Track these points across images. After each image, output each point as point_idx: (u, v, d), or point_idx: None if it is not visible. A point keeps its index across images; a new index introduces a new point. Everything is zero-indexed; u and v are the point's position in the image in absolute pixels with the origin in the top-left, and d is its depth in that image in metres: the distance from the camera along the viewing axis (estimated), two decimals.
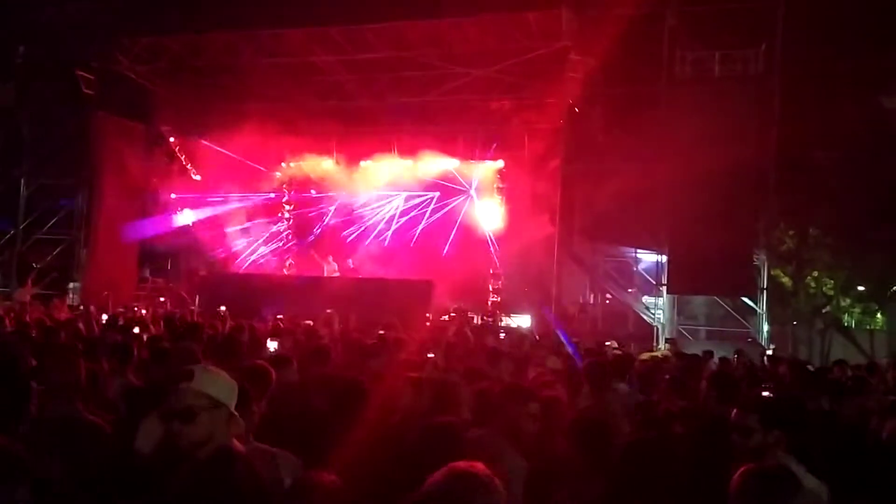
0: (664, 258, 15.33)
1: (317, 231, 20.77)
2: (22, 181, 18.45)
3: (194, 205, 20.43)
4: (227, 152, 19.32)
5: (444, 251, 18.68)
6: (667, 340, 14.13)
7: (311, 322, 10.74)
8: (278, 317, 11.68)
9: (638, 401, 5.27)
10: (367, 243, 20.04)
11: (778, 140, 14.45)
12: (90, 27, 16.30)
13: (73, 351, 5.46)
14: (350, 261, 19.07)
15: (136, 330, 8.25)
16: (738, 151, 13.63)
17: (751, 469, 2.66)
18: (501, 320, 16.85)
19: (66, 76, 17.29)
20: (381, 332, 9.35)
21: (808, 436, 3.79)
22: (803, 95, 14.83)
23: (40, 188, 18.38)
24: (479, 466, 2.17)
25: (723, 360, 10.03)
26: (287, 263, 20.80)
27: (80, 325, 8.80)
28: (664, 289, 15.38)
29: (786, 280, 18.28)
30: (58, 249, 18.21)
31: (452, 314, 15.63)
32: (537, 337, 12.10)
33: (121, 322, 9.56)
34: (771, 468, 2.77)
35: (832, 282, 18.59)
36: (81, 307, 12.77)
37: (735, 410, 3.52)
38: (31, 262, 17.79)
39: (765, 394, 6.55)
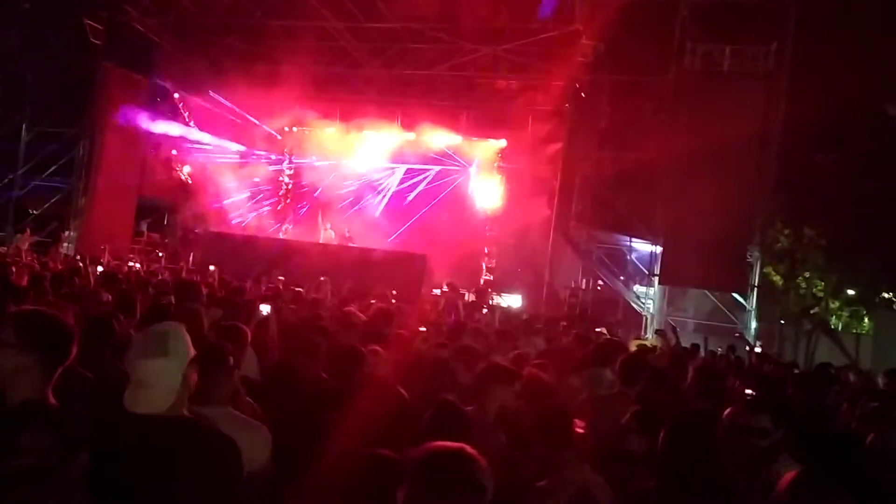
0: (658, 248, 15.43)
1: (315, 198, 20.77)
2: (23, 127, 18.35)
3: (194, 162, 20.38)
4: (232, 106, 19.23)
5: (441, 226, 18.71)
6: (656, 331, 14.25)
7: (301, 289, 10.81)
8: (279, 278, 11.75)
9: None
10: (364, 213, 20.08)
11: (780, 138, 14.48)
12: None
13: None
14: (346, 229, 19.11)
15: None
16: (739, 147, 13.68)
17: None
18: (493, 298, 16.95)
19: (74, 23, 17.14)
20: (373, 301, 9.46)
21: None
22: (809, 96, 14.80)
23: (41, 135, 18.28)
24: (465, 446, 2.12)
25: (710, 353, 10.15)
26: (284, 228, 20.84)
27: (75, 278, 8.83)
28: (656, 279, 15.50)
29: (777, 279, 18.38)
30: (56, 197, 18.17)
31: (445, 289, 15.73)
32: (525, 317, 12.19)
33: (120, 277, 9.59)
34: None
35: (823, 284, 18.70)
36: (77, 257, 12.80)
37: (740, 410, 3.51)
38: (28, 209, 17.76)
39: (748, 391, 6.67)
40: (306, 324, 5.81)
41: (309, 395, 4.00)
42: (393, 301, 10.19)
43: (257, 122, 20.14)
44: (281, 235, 20.14)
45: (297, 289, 10.81)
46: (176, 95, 19.69)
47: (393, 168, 20.01)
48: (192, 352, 2.63)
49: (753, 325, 15.21)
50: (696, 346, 10.65)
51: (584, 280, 17.34)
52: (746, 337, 14.85)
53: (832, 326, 19.22)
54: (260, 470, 2.89)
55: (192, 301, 5.69)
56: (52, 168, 18.20)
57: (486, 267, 18.72)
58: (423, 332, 6.70)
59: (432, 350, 5.75)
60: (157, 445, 2.41)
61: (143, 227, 19.42)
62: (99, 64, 17.45)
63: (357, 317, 6.83)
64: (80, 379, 3.45)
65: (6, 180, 18.26)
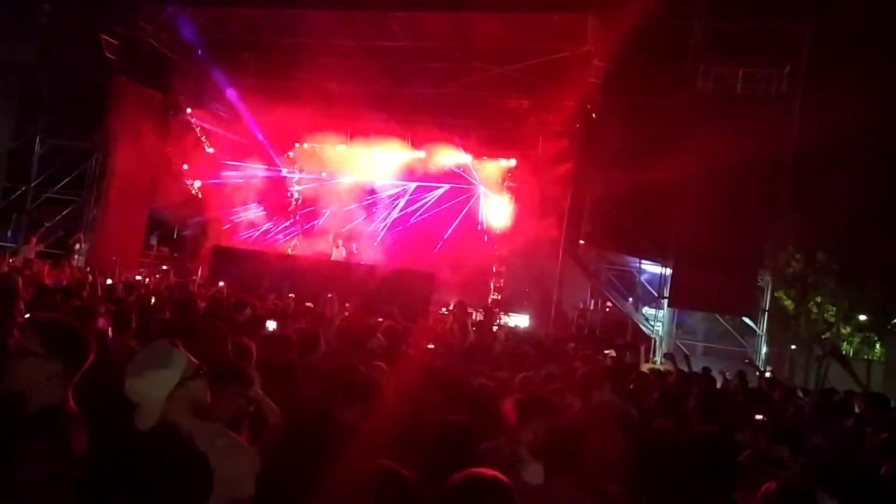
0: (668, 271, 15.33)
1: (324, 214, 20.80)
2: (37, 139, 18.52)
3: (205, 177, 20.48)
4: (247, 120, 19.33)
5: (449, 245, 18.69)
6: (664, 355, 14.14)
7: (310, 304, 10.81)
8: (290, 295, 11.73)
9: (626, 411, 5.27)
10: (373, 230, 20.08)
11: (793, 162, 14.40)
12: None
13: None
14: (354, 246, 19.10)
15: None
16: (751, 170, 13.59)
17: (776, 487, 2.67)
18: (500, 318, 16.87)
19: (90, 39, 17.32)
20: (380, 320, 9.40)
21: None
22: (822, 119, 14.75)
23: (55, 147, 18.44)
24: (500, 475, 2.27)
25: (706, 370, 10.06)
26: (292, 244, 20.86)
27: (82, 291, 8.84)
28: (665, 301, 15.39)
29: (788, 303, 18.24)
30: (68, 210, 18.29)
31: (452, 308, 15.66)
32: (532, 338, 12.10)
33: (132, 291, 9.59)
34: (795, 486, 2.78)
35: (834, 309, 18.55)
36: (88, 269, 12.85)
37: (763, 439, 3.47)
38: (40, 221, 17.87)
39: (758, 417, 6.58)
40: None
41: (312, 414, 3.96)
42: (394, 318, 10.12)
43: (268, 137, 20.22)
44: (289, 251, 20.15)
45: (307, 304, 10.82)
46: (188, 110, 19.82)
47: (402, 186, 20.03)
48: (184, 368, 2.69)
49: (763, 349, 15.06)
50: (707, 370, 10.54)
51: (593, 301, 17.24)
52: (756, 362, 14.68)
53: (843, 352, 19.04)
54: (242, 498, 2.83)
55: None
56: (65, 180, 18.33)
57: (494, 286, 18.64)
58: (431, 349, 6.66)
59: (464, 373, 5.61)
60: (132, 452, 2.45)
61: (153, 241, 19.49)
62: (113, 78, 17.60)
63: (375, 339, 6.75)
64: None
65: (19, 192, 18.40)
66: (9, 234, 18.17)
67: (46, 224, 17.68)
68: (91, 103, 17.67)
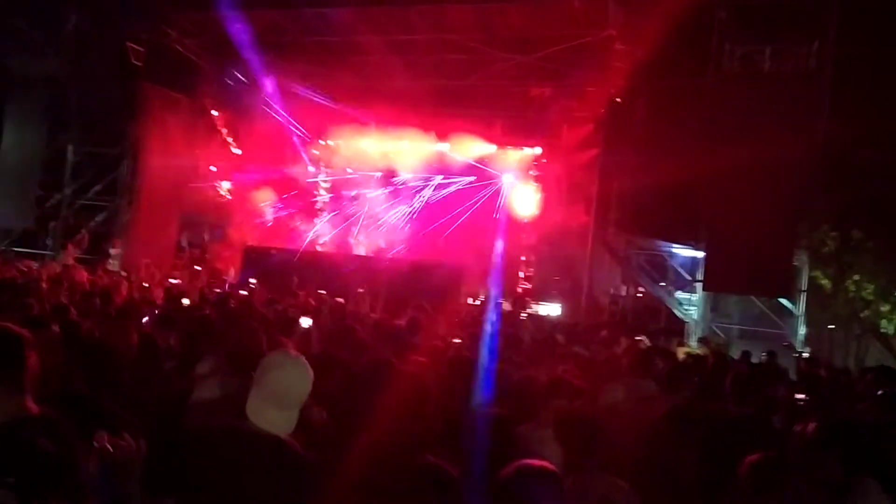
0: (700, 254, 15.14)
1: (351, 209, 20.90)
2: (69, 148, 18.85)
3: (233, 178, 20.69)
4: (274, 116, 19.48)
5: (476, 235, 18.65)
6: (699, 339, 14.01)
7: (341, 300, 10.88)
8: (320, 292, 11.83)
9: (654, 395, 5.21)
10: (400, 224, 20.13)
11: (825, 139, 14.12)
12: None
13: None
14: (381, 240, 19.17)
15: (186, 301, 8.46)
16: (783, 149, 13.35)
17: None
18: (531, 307, 16.82)
19: (116, 47, 17.58)
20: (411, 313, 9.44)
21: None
22: (854, 94, 14.43)
23: (86, 155, 18.76)
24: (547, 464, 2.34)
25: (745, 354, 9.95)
26: (321, 240, 21.00)
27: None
28: (699, 285, 15.21)
29: (825, 282, 17.94)
30: (102, 216, 18.61)
31: (482, 299, 15.68)
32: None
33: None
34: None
35: (872, 286, 18.19)
36: (124, 273, 13.08)
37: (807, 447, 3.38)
38: (76, 228, 18.21)
39: (798, 396, 6.50)
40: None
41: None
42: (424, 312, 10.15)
43: (293, 136, 20.36)
44: (318, 248, 20.29)
45: (338, 300, 10.90)
46: (214, 113, 20.02)
47: (428, 178, 20.04)
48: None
49: (802, 330, 14.81)
50: (745, 354, 10.42)
51: (625, 287, 17.12)
52: (794, 343, 14.48)
53: (882, 330, 18.68)
54: None
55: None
56: (98, 187, 18.66)
57: (524, 275, 18.58)
58: (457, 342, 6.67)
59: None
60: (256, 457, 2.48)
61: (185, 243, 19.76)
62: (140, 85, 17.85)
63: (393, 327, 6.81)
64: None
65: (54, 200, 18.75)
66: (47, 242, 18.53)
67: (83, 231, 18.01)
68: (120, 110, 17.96)
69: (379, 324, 7.47)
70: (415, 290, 12.33)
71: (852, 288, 17.95)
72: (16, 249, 16.90)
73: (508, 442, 3.36)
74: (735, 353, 10.85)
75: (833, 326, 18.23)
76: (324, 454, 3.12)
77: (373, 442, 3.11)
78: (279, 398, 2.65)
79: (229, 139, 20.59)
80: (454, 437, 3.47)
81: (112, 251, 17.99)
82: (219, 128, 20.29)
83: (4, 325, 2.52)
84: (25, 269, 11.79)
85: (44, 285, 9.02)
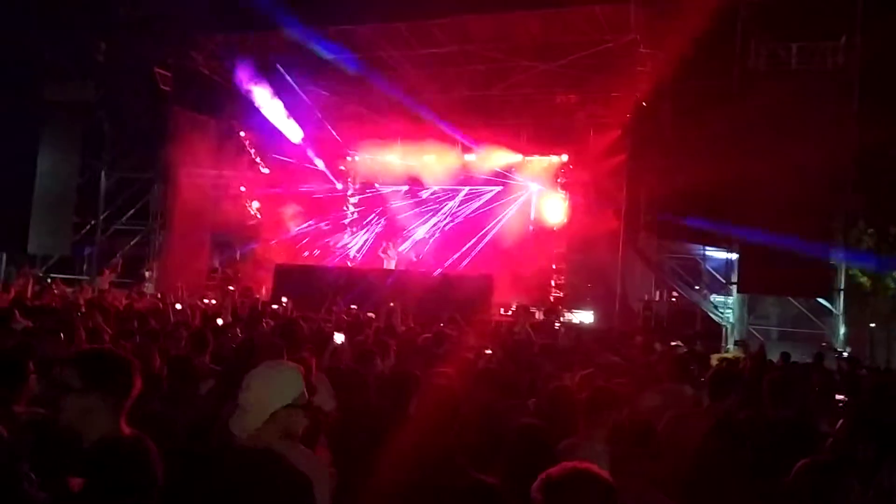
0: (734, 256, 14.92)
1: (380, 224, 20.98)
2: (102, 174, 19.23)
3: (262, 197, 20.90)
4: (298, 137, 19.68)
5: (505, 245, 18.60)
6: (736, 342, 13.78)
7: (373, 315, 10.90)
8: (352, 307, 11.86)
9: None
10: (429, 237, 20.16)
11: (857, 135, 13.86)
12: (166, 25, 16.92)
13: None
14: (412, 254, 19.21)
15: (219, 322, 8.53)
16: (814, 147, 13.15)
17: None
18: (564, 316, 16.70)
19: (145, 73, 17.94)
20: (442, 325, 9.42)
21: None
22: (884, 89, 14.18)
23: (119, 181, 19.13)
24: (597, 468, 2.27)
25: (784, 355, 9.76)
26: (352, 256, 21.11)
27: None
28: (734, 287, 14.98)
29: (864, 280, 17.58)
30: (135, 240, 18.93)
31: (514, 309, 15.59)
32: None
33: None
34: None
35: None
36: (159, 295, 13.25)
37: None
38: (111, 252, 18.55)
39: (839, 397, 6.36)
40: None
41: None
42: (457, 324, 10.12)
43: (320, 153, 20.53)
44: (349, 263, 20.39)
45: (370, 314, 10.93)
46: (242, 133, 20.28)
47: (456, 190, 20.05)
48: (298, 395, 2.75)
49: (842, 330, 14.49)
50: (785, 356, 10.23)
51: (658, 292, 16.94)
52: (834, 343, 14.17)
53: None
54: None
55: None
56: (131, 212, 19.00)
57: (555, 283, 18.47)
58: (488, 353, 6.63)
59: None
60: (235, 472, 2.47)
61: (217, 263, 20.00)
62: (169, 109, 18.17)
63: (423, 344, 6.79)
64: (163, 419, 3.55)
65: (89, 226, 19.13)
66: (84, 267, 18.89)
67: (119, 255, 18.33)
68: (150, 135, 18.31)
69: (408, 337, 7.46)
70: (446, 302, 12.30)
71: (892, 285, 17.58)
72: (53, 275, 17.23)
73: (547, 454, 3.29)
74: (774, 356, 10.64)
75: (874, 325, 17.86)
76: (352, 468, 3.12)
77: (401, 455, 3.11)
78: (250, 403, 2.70)
79: (257, 159, 20.83)
80: (491, 450, 3.45)
81: (146, 274, 18.28)
82: (247, 148, 20.55)
83: (116, 351, 2.75)
84: (63, 294, 12.00)
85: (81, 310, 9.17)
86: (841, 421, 3.24)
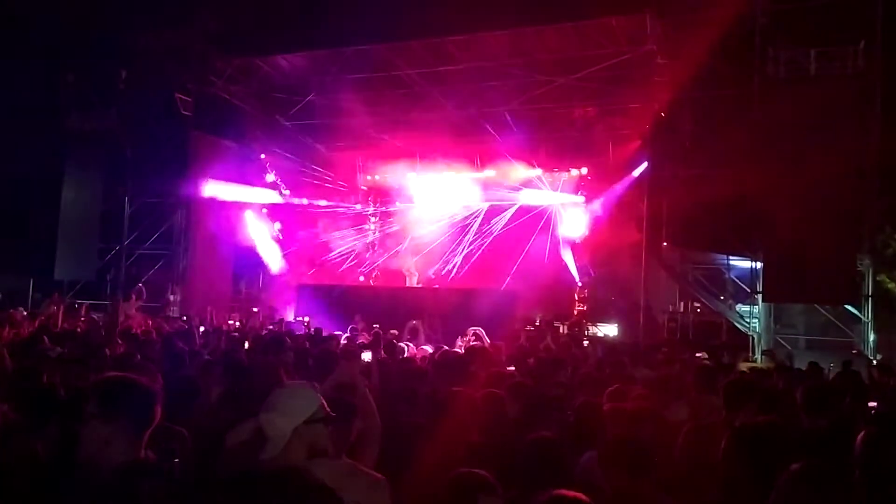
0: (759, 265, 14.76)
1: (401, 243, 21.03)
2: (126, 199, 19.44)
3: (284, 218, 21.05)
4: (318, 158, 19.81)
5: (528, 261, 18.55)
6: (763, 352, 13.60)
7: (395, 331, 10.92)
8: (374, 326, 11.88)
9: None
10: (450, 254, 20.16)
11: (880, 139, 13.70)
12: (185, 51, 17.17)
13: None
14: (431, 271, 19.22)
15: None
16: (837, 152, 13.01)
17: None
18: (588, 329, 16.60)
19: (165, 98, 18.18)
20: (465, 339, 9.40)
21: None
22: None
23: (142, 206, 19.33)
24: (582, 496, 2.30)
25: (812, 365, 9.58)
26: (374, 275, 21.16)
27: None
28: (759, 297, 14.80)
29: (893, 286, 17.30)
30: (159, 264, 19.10)
31: (538, 324, 15.53)
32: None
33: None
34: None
35: None
36: (185, 318, 13.35)
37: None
38: (136, 277, 18.71)
39: (871, 404, 6.23)
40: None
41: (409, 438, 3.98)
42: (477, 340, 10.09)
43: (339, 175, 20.67)
44: (371, 282, 20.43)
45: (392, 331, 10.93)
46: (262, 156, 20.46)
47: (476, 207, 20.06)
48: (316, 409, 2.75)
49: (871, 337, 14.25)
50: (814, 365, 10.05)
51: (682, 303, 16.79)
52: (864, 350, 13.93)
53: None
54: None
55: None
56: (155, 236, 19.19)
57: (579, 297, 18.37)
58: (512, 370, 6.59)
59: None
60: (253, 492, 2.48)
61: (241, 285, 20.13)
62: (190, 133, 18.38)
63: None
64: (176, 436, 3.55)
65: (114, 252, 19.33)
66: (108, 292, 19.07)
67: (143, 280, 18.50)
68: (172, 160, 18.50)
69: (433, 354, 7.45)
70: (470, 318, 12.27)
71: None
72: (79, 301, 17.40)
73: (559, 467, 3.28)
74: (802, 365, 10.46)
75: None
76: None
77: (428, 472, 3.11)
78: (271, 426, 2.68)
79: (278, 181, 20.99)
80: (508, 463, 3.45)
81: (171, 298, 18.42)
82: (267, 170, 20.72)
83: (138, 379, 2.70)
84: (90, 320, 12.13)
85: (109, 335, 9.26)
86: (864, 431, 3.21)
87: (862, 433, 3.10)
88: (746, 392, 4.84)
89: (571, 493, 2.31)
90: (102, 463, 2.45)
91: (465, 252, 20.05)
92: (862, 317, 14.31)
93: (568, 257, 18.33)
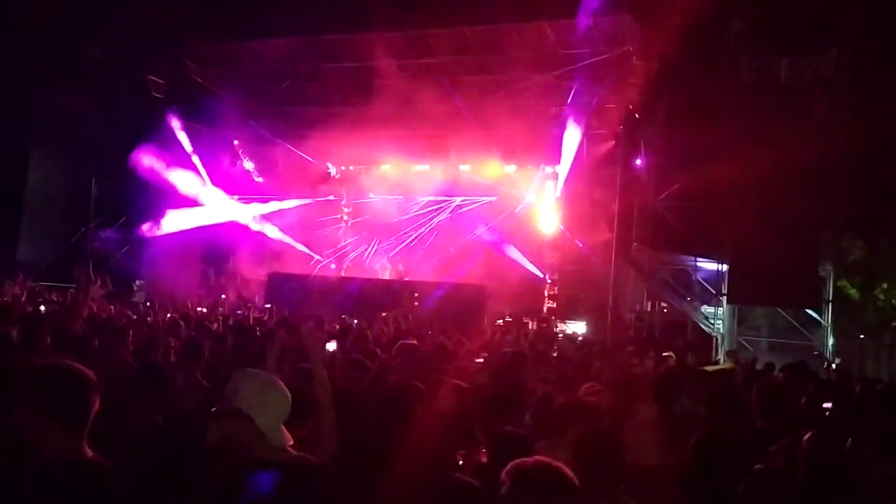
0: (725, 267, 15.00)
1: (373, 234, 20.98)
2: (92, 181, 19.13)
3: (256, 206, 20.87)
4: (293, 149, 19.67)
5: (500, 256, 18.63)
6: (727, 353, 13.83)
7: (356, 321, 10.91)
8: (342, 317, 11.84)
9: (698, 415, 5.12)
10: (422, 247, 20.16)
11: (847, 148, 13.99)
12: (159, 32, 16.87)
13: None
14: (400, 265, 19.21)
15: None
16: (804, 159, 13.25)
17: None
18: (556, 326, 16.73)
19: (137, 80, 17.88)
20: (429, 332, 9.43)
21: None
22: (874, 103, 14.31)
23: (110, 189, 19.02)
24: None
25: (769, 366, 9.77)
26: (344, 265, 21.08)
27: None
28: (724, 298, 15.05)
29: (853, 292, 17.68)
30: (125, 248, 18.82)
31: (507, 319, 15.61)
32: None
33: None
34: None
35: None
36: (148, 304, 13.17)
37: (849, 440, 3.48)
38: (102, 261, 18.41)
39: (825, 405, 6.37)
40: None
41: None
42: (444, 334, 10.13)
43: (315, 162, 20.53)
44: (342, 273, 20.35)
45: (355, 321, 10.90)
46: (236, 142, 20.25)
47: (449, 200, 20.08)
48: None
49: (831, 340, 14.59)
50: (770, 366, 10.26)
51: (650, 303, 16.98)
52: (824, 353, 14.25)
53: None
54: None
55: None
56: (122, 220, 18.90)
57: (548, 294, 18.50)
58: (479, 362, 6.62)
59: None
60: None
61: (210, 272, 19.92)
62: (161, 117, 18.11)
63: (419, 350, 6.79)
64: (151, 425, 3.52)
65: (79, 234, 19.01)
66: (73, 275, 18.75)
67: (107, 264, 18.20)
68: (141, 143, 18.21)
69: (401, 347, 7.45)
70: (439, 312, 12.30)
71: (881, 297, 17.69)
72: (42, 283, 17.11)
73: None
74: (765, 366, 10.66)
75: (863, 336, 17.94)
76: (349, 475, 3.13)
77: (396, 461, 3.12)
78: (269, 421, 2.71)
79: (250, 168, 20.80)
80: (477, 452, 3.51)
81: (136, 283, 18.16)
82: (240, 156, 20.52)
83: (72, 366, 2.49)
84: (51, 302, 11.91)
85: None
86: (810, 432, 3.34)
87: (808, 434, 3.21)
88: (675, 384, 5.00)
89: (558, 464, 2.34)
90: (43, 453, 2.33)
91: (436, 246, 20.05)
92: (822, 321, 14.63)
93: (516, 254, 18.41)
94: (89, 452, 2.38)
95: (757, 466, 2.69)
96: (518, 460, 2.32)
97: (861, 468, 3.29)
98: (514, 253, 18.64)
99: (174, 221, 18.59)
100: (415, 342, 7.10)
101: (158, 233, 18.54)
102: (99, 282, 16.13)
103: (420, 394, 4.21)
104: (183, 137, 18.55)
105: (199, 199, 19.12)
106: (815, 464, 3.14)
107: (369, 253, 20.63)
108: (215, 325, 9.54)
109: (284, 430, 2.77)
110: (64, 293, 15.36)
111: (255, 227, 20.60)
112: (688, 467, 3.76)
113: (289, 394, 2.85)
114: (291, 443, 2.78)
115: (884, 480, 3.24)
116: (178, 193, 18.43)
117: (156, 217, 18.71)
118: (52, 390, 2.35)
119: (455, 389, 4.46)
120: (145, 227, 18.70)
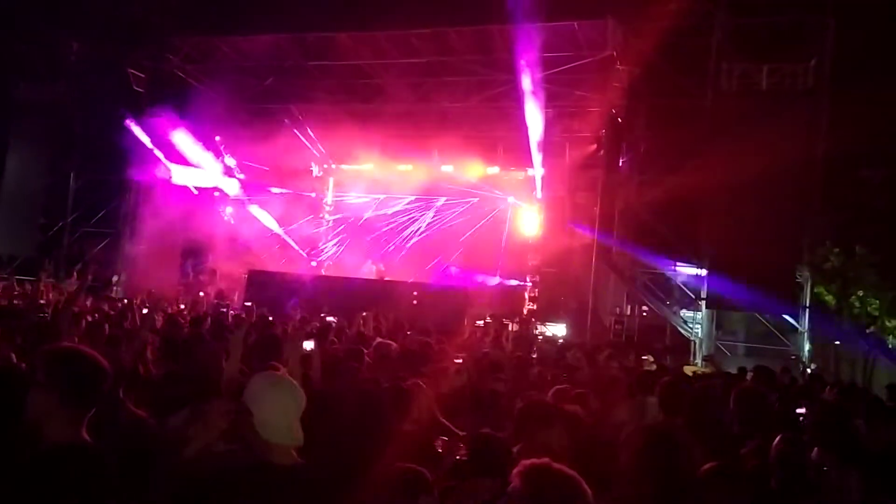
0: (704, 272, 15.13)
1: (355, 233, 20.91)
2: (71, 175, 18.92)
3: (237, 203, 20.74)
4: (275, 144, 19.55)
5: (481, 257, 18.65)
6: (704, 358, 13.94)
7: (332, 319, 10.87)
8: (321, 315, 11.78)
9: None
10: (404, 247, 20.13)
11: (825, 156, 14.16)
12: (142, 26, 16.73)
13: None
14: (381, 264, 19.17)
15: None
16: (783, 166, 13.38)
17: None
18: (537, 328, 16.76)
19: (118, 74, 17.71)
20: (409, 333, 9.40)
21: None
22: (852, 111, 14.48)
23: (89, 183, 18.83)
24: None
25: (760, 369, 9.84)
26: (325, 265, 20.99)
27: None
28: (703, 303, 15.17)
29: (829, 299, 17.87)
30: (104, 243, 18.64)
31: (488, 320, 15.60)
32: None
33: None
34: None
35: (878, 302, 18.12)
36: (126, 300, 13.05)
37: (815, 450, 3.52)
38: (79, 255, 18.23)
39: (799, 411, 6.43)
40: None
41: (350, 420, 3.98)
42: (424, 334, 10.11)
43: (296, 162, 20.42)
44: (322, 272, 20.27)
45: (330, 319, 10.85)
46: (217, 138, 20.10)
47: (431, 201, 20.07)
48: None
49: (807, 346, 14.75)
50: (743, 371, 10.33)
51: (629, 306, 17.06)
52: (801, 358, 14.41)
53: (889, 346, 18.57)
54: None
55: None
56: (101, 214, 18.70)
57: (529, 296, 18.53)
58: (458, 363, 6.61)
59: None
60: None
61: (189, 269, 19.74)
62: (142, 111, 17.95)
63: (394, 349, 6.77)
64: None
65: (57, 228, 18.80)
66: (51, 269, 18.53)
67: (84, 258, 18.02)
68: (122, 137, 18.04)
69: (380, 347, 7.42)
70: (420, 312, 12.28)
71: (857, 304, 17.89)
72: (18, 277, 16.91)
73: (499, 460, 3.32)
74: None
75: (839, 342, 18.14)
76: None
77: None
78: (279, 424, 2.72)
79: (233, 164, 20.66)
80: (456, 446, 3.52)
81: (114, 279, 17.98)
82: (222, 153, 20.37)
83: (92, 353, 2.55)
84: (23, 293, 11.77)
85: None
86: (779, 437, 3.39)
87: (777, 438, 3.25)
88: (681, 396, 4.96)
89: (572, 472, 2.25)
90: (44, 431, 2.39)
91: (418, 246, 20.04)
92: (799, 326, 14.79)
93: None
94: (87, 438, 2.44)
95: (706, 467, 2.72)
96: (530, 461, 2.27)
97: (819, 474, 3.35)
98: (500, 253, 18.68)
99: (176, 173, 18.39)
100: (391, 342, 7.08)
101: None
102: (75, 275, 16.06)
103: (390, 395, 4.22)
104: (164, 132, 18.33)
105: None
106: (784, 468, 3.18)
107: (346, 249, 20.53)
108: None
109: (295, 428, 2.74)
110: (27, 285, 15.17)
111: (234, 222, 20.47)
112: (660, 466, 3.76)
113: (300, 393, 2.84)
114: (298, 442, 2.74)
115: (837, 486, 3.30)
116: (157, 186, 18.27)
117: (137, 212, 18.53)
118: (73, 374, 2.42)
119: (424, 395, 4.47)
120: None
